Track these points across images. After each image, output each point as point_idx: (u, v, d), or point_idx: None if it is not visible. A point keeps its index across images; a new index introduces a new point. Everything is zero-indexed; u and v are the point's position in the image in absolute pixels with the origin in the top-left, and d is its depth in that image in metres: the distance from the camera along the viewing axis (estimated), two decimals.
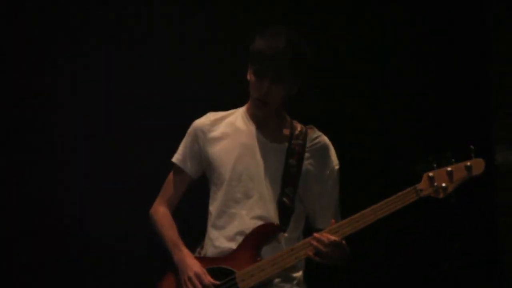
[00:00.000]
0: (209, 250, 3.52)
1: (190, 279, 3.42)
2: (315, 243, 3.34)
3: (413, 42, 4.85)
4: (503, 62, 4.82)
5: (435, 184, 3.33)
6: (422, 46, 4.84)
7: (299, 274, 3.51)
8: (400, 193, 3.35)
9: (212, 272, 3.44)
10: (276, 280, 3.44)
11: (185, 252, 3.50)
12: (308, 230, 3.51)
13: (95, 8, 4.79)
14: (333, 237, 3.32)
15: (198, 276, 3.42)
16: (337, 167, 3.56)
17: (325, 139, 3.57)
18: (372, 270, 4.79)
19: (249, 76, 3.47)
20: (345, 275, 4.56)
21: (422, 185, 3.34)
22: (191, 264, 3.45)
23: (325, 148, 3.56)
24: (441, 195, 3.34)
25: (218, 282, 3.42)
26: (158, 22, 4.83)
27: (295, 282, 3.49)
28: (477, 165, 3.33)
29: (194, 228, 3.60)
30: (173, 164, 3.62)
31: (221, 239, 3.48)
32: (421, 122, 4.81)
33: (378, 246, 4.74)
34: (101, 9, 4.79)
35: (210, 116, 3.60)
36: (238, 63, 3.64)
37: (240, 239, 3.45)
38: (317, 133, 3.58)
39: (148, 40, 4.82)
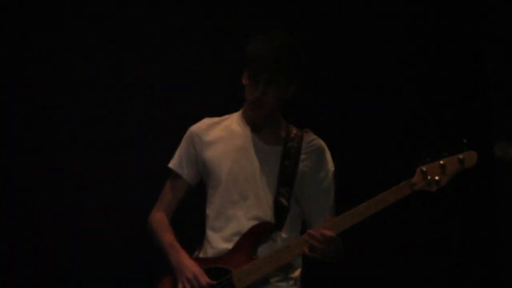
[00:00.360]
0: (207, 251, 3.54)
1: (188, 279, 3.44)
2: (310, 239, 3.35)
3: (411, 38, 4.85)
4: (501, 56, 4.80)
5: (428, 177, 3.34)
6: (421, 42, 4.84)
7: (296, 273, 3.53)
8: (393, 188, 3.36)
9: (209, 272, 3.45)
10: (273, 279, 3.46)
11: (182, 253, 3.52)
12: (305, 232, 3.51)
13: (96, 9, 4.82)
14: (328, 233, 3.34)
15: (195, 276, 3.43)
16: (332, 169, 3.59)
17: (320, 142, 3.61)
18: (369, 268, 4.78)
19: (244, 80, 3.51)
20: (342, 274, 4.57)
21: (416, 179, 3.36)
22: (188, 265, 3.47)
23: (320, 150, 3.59)
24: (434, 188, 3.35)
25: (215, 282, 3.44)
26: (158, 25, 4.86)
27: (292, 281, 3.51)
28: (470, 157, 3.35)
29: (192, 233, 3.62)
30: (170, 170, 3.64)
31: (218, 240, 3.51)
32: (420, 118, 4.81)
33: (376, 244, 4.75)
34: (102, 11, 4.83)
35: (206, 121, 3.65)
36: (235, 69, 3.67)
37: (237, 239, 3.47)
38: (313, 136, 3.61)
39: (148, 44, 4.85)
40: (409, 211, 4.46)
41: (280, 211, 3.49)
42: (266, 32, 3.53)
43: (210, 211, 3.55)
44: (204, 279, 3.43)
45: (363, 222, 3.37)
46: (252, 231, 3.46)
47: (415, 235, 4.78)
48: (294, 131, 3.58)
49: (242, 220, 3.47)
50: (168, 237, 3.56)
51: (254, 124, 3.56)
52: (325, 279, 4.29)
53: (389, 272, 4.78)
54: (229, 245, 3.47)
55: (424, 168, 3.35)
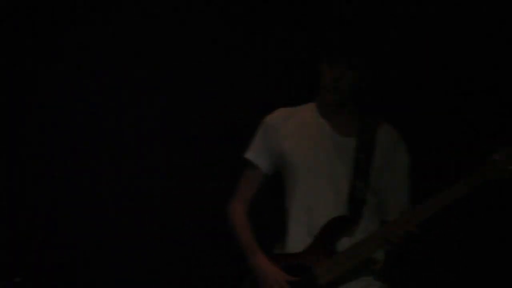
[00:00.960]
0: (286, 246, 3.52)
1: (269, 285, 3.43)
2: (387, 234, 3.36)
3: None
4: None
5: (499, 166, 3.35)
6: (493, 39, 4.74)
7: (378, 266, 3.51)
8: (465, 178, 3.35)
9: (289, 269, 3.45)
10: (355, 274, 3.45)
11: (260, 256, 3.50)
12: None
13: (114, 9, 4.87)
14: (407, 227, 3.34)
15: (278, 283, 3.42)
16: (408, 160, 3.56)
17: (395, 132, 3.59)
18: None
19: (321, 66, 3.51)
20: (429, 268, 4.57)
21: (486, 168, 3.36)
22: (268, 271, 3.46)
23: (395, 141, 3.57)
24: (506, 176, 3.35)
25: (296, 279, 3.43)
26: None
27: (374, 275, 3.50)
28: None
29: (273, 225, 3.61)
30: (247, 160, 3.63)
31: (297, 234, 3.50)
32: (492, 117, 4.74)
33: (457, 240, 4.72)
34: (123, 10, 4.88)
35: (281, 112, 3.64)
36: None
37: (315, 233, 3.46)
38: (388, 126, 3.59)
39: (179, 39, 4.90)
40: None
41: (356, 204, 3.47)
42: (345, 16, 3.55)
43: (288, 204, 3.54)
44: (284, 281, 3.42)
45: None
46: (329, 226, 3.45)
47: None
48: (369, 121, 3.56)
49: (320, 213, 3.47)
50: (245, 237, 3.56)
51: (329, 114, 3.56)
52: (409, 272, 4.30)
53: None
54: (308, 240, 3.46)
55: (495, 157, 3.36)
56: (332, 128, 3.55)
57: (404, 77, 4.76)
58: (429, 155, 4.64)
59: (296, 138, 3.55)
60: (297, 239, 3.49)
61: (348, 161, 3.50)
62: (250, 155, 3.62)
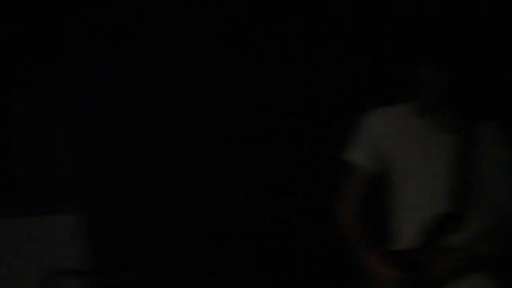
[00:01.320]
0: (396, 244, 3.53)
1: (380, 281, 3.44)
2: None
3: None
4: None
5: None
6: None
7: (493, 264, 3.49)
8: None
9: (400, 266, 3.44)
10: (464, 271, 3.44)
11: (371, 254, 3.50)
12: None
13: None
14: None
15: (386, 277, 3.43)
16: (509, 157, 3.54)
17: (496, 129, 3.57)
18: None
19: (415, 67, 3.50)
20: None
21: None
22: (377, 265, 3.46)
23: (497, 138, 3.55)
24: None
25: (407, 275, 3.43)
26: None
27: (484, 272, 3.49)
28: None
29: (381, 223, 3.60)
30: (349, 162, 3.62)
31: (406, 233, 3.49)
32: None
33: None
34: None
35: (379, 112, 3.62)
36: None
37: (422, 231, 3.46)
38: (488, 123, 3.57)
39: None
40: None
41: (461, 201, 3.46)
42: (434, 16, 3.55)
43: (393, 203, 3.55)
44: (396, 279, 3.42)
45: None
46: (436, 223, 3.44)
47: None
48: (468, 119, 3.55)
49: (424, 211, 3.45)
50: (355, 236, 3.55)
51: (425, 114, 3.54)
52: None
53: None
54: (417, 237, 3.46)
55: None
56: (430, 127, 3.53)
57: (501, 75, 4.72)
58: None
59: (395, 139, 3.54)
60: (406, 237, 3.48)
61: (449, 159, 3.48)
62: (352, 156, 3.62)
